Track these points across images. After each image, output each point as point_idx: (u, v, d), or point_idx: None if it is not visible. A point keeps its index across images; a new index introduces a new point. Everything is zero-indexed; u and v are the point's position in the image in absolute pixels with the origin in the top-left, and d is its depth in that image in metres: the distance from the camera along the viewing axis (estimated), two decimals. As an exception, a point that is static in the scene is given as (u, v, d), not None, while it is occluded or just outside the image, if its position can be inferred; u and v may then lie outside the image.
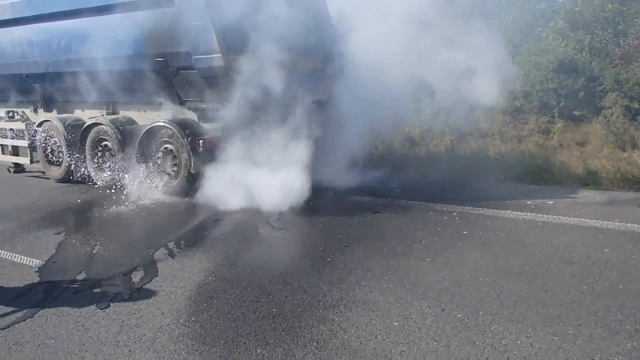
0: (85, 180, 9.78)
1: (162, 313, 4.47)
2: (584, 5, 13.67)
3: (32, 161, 10.93)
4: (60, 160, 10.27)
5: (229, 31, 7.72)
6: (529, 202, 7.28)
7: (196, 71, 8.07)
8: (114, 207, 8.08)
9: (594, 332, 3.86)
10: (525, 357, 3.56)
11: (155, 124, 8.68)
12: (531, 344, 3.71)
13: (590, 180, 8.24)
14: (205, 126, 8.45)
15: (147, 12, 8.26)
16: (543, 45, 12.97)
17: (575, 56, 12.29)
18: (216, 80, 7.99)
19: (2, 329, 4.30)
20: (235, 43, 7.77)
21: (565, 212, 6.81)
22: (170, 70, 8.43)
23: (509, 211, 6.94)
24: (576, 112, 11.61)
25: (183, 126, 8.40)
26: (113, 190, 8.81)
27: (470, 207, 7.16)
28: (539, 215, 6.75)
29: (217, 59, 7.74)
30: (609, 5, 12.92)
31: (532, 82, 12.00)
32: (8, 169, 11.67)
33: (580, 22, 13.24)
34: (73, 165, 9.92)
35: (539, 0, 15.78)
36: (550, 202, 7.27)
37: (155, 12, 8.18)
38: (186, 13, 7.85)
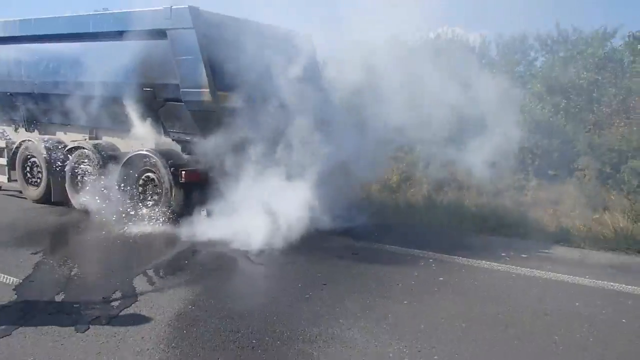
0: (63, 203, 9.74)
1: (142, 338, 4.48)
2: (560, 71, 14.17)
3: (9, 179, 10.84)
4: (39, 180, 10.21)
5: (219, 68, 7.92)
6: (503, 254, 7.44)
7: (183, 104, 8.19)
8: (91, 231, 8.07)
9: (566, 381, 3.98)
10: (500, 401, 3.66)
11: (138, 152, 8.74)
12: (505, 389, 3.82)
13: (563, 237, 8.44)
14: (188, 158, 8.53)
15: (139, 43, 8.40)
16: (520, 106, 13.36)
17: (551, 119, 12.70)
18: (202, 114, 8.12)
19: (-20, 343, 4.28)
20: (223, 80, 7.97)
21: (538, 265, 6.98)
22: (158, 101, 8.55)
23: (483, 261, 7.08)
24: (550, 172, 11.94)
25: (166, 156, 8.47)
26: (91, 215, 8.77)
27: (447, 255, 7.28)
28: (513, 267, 6.90)
29: (205, 94, 7.90)
30: (585, 73, 13.44)
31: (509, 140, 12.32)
32: (-17, 187, 11.56)
33: (557, 87, 13.71)
34: (52, 187, 9.88)
35: (517, 63, 16.33)
36: (524, 256, 7.44)
37: (148, 43, 8.34)
38: (178, 46, 8.04)
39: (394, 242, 7.87)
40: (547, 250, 7.84)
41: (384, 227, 8.82)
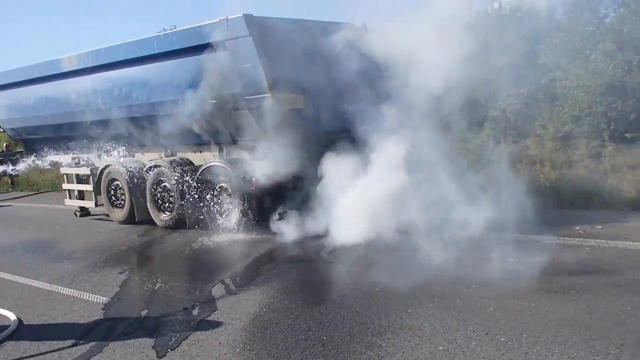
0: (147, 222, 10.26)
1: (220, 343, 4.75)
2: (631, 26, 13.56)
3: (96, 204, 11.53)
4: (122, 202, 10.80)
5: (279, 72, 8.10)
6: (577, 227, 7.32)
7: (248, 111, 8.44)
8: (173, 246, 8.50)
9: (637, 352, 3.93)
10: (566, 377, 3.68)
11: (210, 164, 9.10)
12: (572, 365, 3.83)
13: (642, 203, 8.20)
14: (258, 164, 8.80)
15: (201, 57, 8.73)
16: (591, 67, 12.90)
17: (625, 77, 12.19)
18: (267, 120, 8.34)
19: (75, 360, 4.65)
20: (284, 83, 8.14)
21: (614, 236, 6.83)
22: (224, 112, 8.82)
23: (556, 237, 7.00)
24: (627, 135, 11.50)
25: (236, 165, 8.77)
26: (172, 230, 9.20)
27: (518, 234, 7.22)
28: (587, 240, 6.80)
29: (267, 99, 8.09)
30: (659, 25, 12.82)
31: (581, 106, 11.95)
32: (75, 213, 12.30)
33: (628, 43, 13.13)
34: (135, 207, 10.43)
35: (586, 23, 15.71)
36: (599, 227, 7.29)
37: (209, 56, 8.62)
38: (237, 55, 8.24)
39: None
40: (624, 219, 7.65)
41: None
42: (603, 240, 6.68)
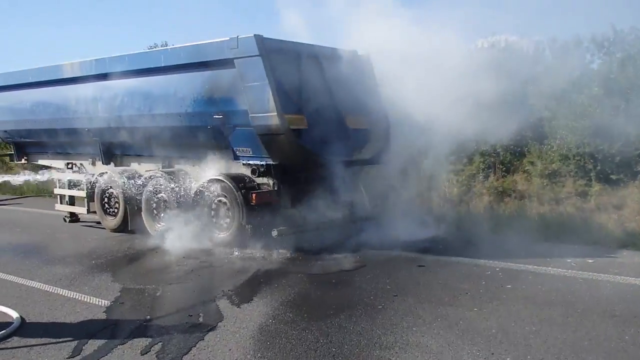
0: (139, 231, 10.28)
1: (230, 349, 4.85)
2: (619, 72, 14.02)
3: (88, 211, 11.52)
4: (116, 210, 10.82)
5: (285, 92, 8.31)
6: (569, 260, 7.55)
7: (252, 128, 8.59)
8: (169, 257, 8.54)
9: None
10: (573, 397, 3.86)
11: (210, 178, 9.17)
12: (578, 385, 4.00)
13: (628, 242, 8.47)
14: (258, 180, 8.93)
15: (208, 73, 8.89)
16: (579, 111, 13.30)
17: (612, 122, 12.59)
18: (270, 138, 8.50)
19: None
20: (290, 103, 8.35)
21: (605, 269, 7.07)
22: (227, 127, 8.95)
23: (550, 268, 7.23)
24: (613, 176, 11.85)
25: (237, 180, 8.87)
26: (168, 241, 9.25)
27: (513, 264, 7.45)
28: (580, 272, 7.02)
29: (272, 118, 8.25)
30: (645, 72, 13.28)
31: (569, 146, 12.31)
32: (64, 219, 12.26)
33: (615, 89, 13.58)
34: (129, 216, 10.47)
35: (574, 68, 16.18)
36: (590, 261, 7.54)
37: (216, 72, 8.79)
38: (246, 74, 8.40)
39: (459, 253, 8.05)
40: (613, 255, 7.90)
41: (448, 239, 9.00)
42: (595, 273, 6.91)
